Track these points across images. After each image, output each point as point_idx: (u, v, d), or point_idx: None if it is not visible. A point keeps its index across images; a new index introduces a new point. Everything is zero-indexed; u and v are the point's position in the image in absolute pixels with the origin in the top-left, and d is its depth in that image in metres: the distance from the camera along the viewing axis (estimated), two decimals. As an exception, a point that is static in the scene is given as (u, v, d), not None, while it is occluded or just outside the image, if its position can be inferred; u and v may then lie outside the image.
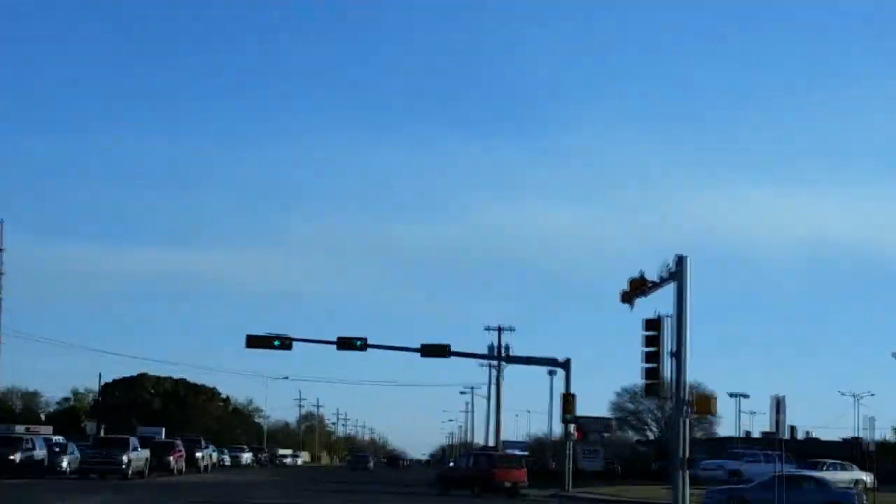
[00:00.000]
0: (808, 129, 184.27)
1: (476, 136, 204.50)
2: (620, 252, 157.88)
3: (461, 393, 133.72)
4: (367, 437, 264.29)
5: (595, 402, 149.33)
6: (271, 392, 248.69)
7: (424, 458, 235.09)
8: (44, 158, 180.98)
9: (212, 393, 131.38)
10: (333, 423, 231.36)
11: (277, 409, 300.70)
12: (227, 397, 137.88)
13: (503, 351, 79.54)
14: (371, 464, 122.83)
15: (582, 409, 61.56)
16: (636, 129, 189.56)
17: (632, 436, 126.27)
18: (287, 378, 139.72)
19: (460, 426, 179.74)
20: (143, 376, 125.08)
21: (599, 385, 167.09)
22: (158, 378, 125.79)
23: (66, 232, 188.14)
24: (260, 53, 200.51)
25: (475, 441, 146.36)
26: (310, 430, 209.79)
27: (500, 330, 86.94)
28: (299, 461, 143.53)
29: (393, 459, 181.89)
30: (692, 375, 40.00)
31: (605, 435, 78.23)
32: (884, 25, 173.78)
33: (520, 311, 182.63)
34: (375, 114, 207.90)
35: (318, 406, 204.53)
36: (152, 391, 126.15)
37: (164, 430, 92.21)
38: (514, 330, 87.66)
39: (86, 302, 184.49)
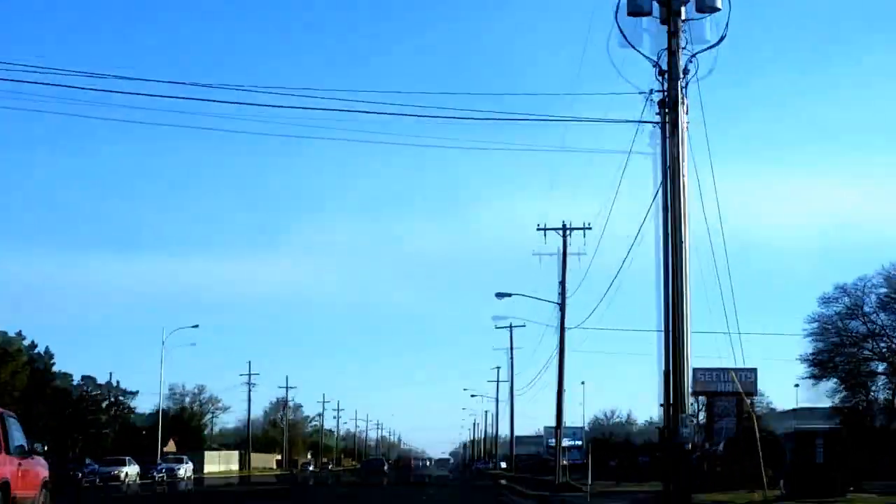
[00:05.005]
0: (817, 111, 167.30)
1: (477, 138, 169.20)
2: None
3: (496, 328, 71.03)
4: (361, 435, 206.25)
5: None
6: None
7: (444, 455, 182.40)
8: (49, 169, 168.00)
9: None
10: (315, 417, 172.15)
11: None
12: (41, 356, 75.71)
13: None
14: (386, 467, 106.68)
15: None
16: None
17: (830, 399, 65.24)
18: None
19: (486, 411, 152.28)
20: None
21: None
22: None
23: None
24: (265, 66, 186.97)
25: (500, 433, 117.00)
26: (274, 427, 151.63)
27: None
28: (181, 471, 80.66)
29: (403, 462, 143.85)
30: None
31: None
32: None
33: (528, 309, 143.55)
34: (374, 119, 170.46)
35: (287, 387, 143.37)
36: None
37: None
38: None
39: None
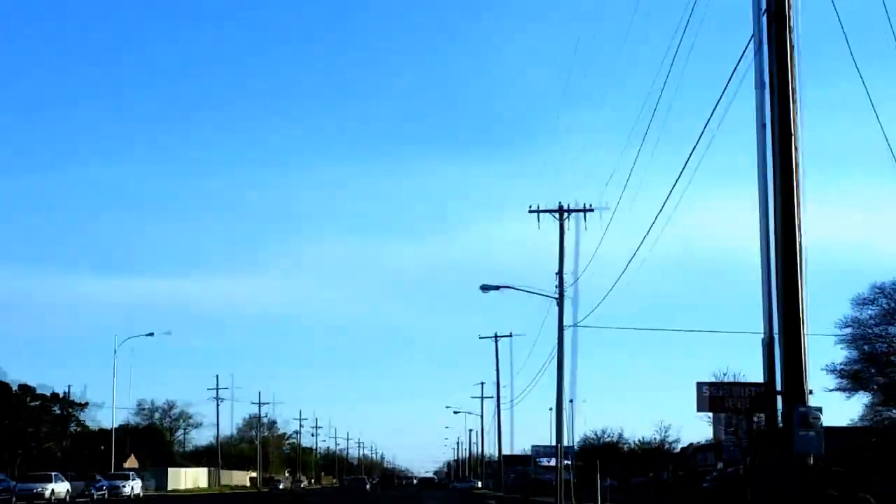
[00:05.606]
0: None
1: (458, 156, 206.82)
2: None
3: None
4: (342, 453, 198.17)
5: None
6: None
7: (428, 474, 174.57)
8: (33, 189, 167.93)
9: None
10: (294, 433, 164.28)
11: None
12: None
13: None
14: (368, 486, 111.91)
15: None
16: (608, 141, 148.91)
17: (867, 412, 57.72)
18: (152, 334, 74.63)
19: (470, 429, 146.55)
20: None
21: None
22: None
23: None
24: (251, 83, 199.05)
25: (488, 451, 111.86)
26: (254, 443, 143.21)
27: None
28: (126, 489, 71.97)
29: (387, 478, 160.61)
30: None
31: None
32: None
33: (512, 323, 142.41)
34: (359, 140, 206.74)
35: (259, 403, 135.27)
36: None
37: None
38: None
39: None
